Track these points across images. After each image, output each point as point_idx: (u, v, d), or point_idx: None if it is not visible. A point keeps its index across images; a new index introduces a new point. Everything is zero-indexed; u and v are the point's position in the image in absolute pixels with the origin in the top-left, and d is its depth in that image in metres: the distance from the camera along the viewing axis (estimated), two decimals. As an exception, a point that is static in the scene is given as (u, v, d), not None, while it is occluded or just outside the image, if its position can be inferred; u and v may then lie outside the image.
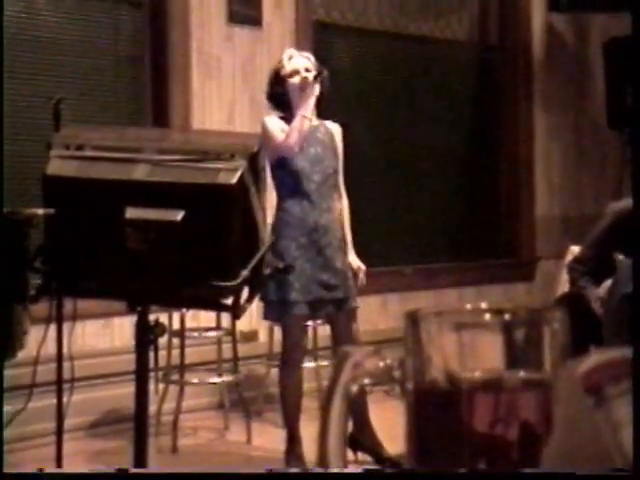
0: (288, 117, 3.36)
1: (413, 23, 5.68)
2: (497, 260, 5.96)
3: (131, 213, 2.05)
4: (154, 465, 2.43)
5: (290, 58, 3.41)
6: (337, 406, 0.50)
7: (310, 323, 4.39)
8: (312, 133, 3.38)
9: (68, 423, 3.01)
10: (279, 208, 3.40)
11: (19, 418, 2.84)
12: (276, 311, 3.37)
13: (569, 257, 3.97)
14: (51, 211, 2.11)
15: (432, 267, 5.57)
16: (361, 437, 3.39)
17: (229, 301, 2.17)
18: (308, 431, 3.42)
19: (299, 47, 4.96)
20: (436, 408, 0.48)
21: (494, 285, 5.73)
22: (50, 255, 2.18)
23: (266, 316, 3.48)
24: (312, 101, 3.30)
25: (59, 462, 2.83)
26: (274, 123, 3.36)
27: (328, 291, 3.34)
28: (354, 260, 3.50)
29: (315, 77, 3.30)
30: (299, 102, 3.30)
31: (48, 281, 2.19)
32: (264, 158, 2.22)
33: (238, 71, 4.74)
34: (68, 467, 2.90)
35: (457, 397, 0.47)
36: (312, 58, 3.44)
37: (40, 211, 2.15)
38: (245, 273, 2.06)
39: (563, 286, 4.00)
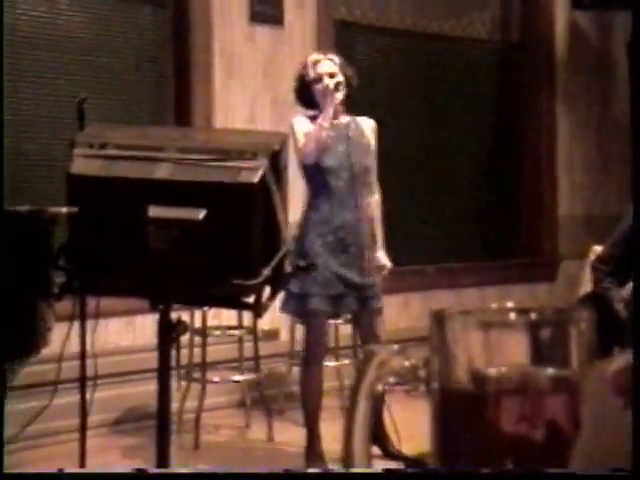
0: (316, 116, 3.38)
1: (435, 21, 5.66)
2: (519, 260, 5.93)
3: (153, 212, 2.06)
4: (176, 462, 2.44)
5: (315, 64, 3.43)
6: (362, 405, 0.50)
7: (329, 322, 4.40)
8: (340, 131, 3.39)
9: (91, 420, 3.03)
10: (307, 205, 3.43)
11: (44, 414, 2.86)
12: (295, 304, 3.38)
13: (592, 257, 3.94)
14: (75, 209, 2.12)
15: (454, 266, 5.55)
16: (373, 429, 3.40)
17: (251, 299, 2.18)
18: (329, 430, 3.42)
19: (320, 46, 4.97)
20: (462, 408, 0.48)
21: (516, 285, 5.70)
22: (73, 253, 2.20)
23: (284, 308, 3.44)
24: (332, 109, 3.31)
25: (82, 458, 2.85)
26: (301, 125, 3.39)
27: (352, 289, 3.34)
28: (382, 256, 3.50)
29: (336, 85, 3.32)
30: (324, 107, 3.33)
31: (71, 279, 2.21)
32: (287, 157, 2.22)
33: (260, 70, 4.75)
34: (91, 463, 2.92)
35: (483, 397, 0.47)
36: (337, 59, 3.46)
37: (64, 209, 2.17)
38: (267, 271, 2.06)
39: (586, 286, 3.98)
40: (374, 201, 3.51)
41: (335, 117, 3.35)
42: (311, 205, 3.40)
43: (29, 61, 4.24)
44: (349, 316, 3.67)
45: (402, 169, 5.35)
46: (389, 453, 3.41)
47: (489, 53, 5.98)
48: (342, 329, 4.39)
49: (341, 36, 5.12)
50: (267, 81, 4.77)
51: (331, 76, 3.37)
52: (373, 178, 3.51)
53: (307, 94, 3.42)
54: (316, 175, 3.37)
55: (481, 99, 5.91)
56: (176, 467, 2.36)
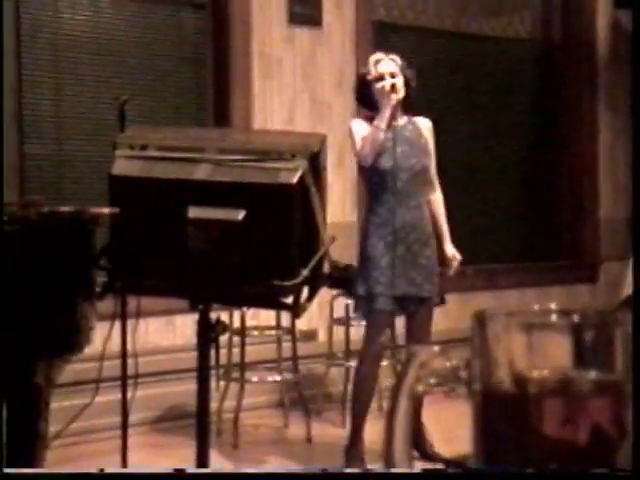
0: (374, 116, 3.40)
1: (474, 22, 5.62)
2: (560, 261, 5.86)
3: (193, 212, 2.07)
4: (215, 461, 2.46)
5: (377, 63, 3.44)
6: (403, 406, 0.50)
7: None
8: (399, 132, 3.41)
9: (132, 418, 3.06)
10: (368, 208, 3.48)
11: (86, 412, 2.90)
12: (363, 306, 3.41)
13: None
14: (116, 210, 2.15)
15: (493, 268, 5.50)
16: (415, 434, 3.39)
17: (289, 300, 2.18)
18: (368, 430, 3.42)
19: (359, 47, 4.96)
20: (503, 410, 0.47)
21: (556, 287, 5.63)
22: (115, 253, 2.22)
23: (355, 310, 3.53)
24: (389, 110, 3.33)
25: (124, 455, 2.88)
26: (358, 128, 3.42)
27: (415, 288, 3.37)
28: (449, 249, 3.55)
29: (393, 86, 3.33)
30: (383, 107, 3.35)
31: (113, 279, 2.24)
32: (326, 158, 2.22)
33: (298, 71, 4.76)
34: (132, 460, 2.95)
35: (525, 399, 0.46)
36: (398, 60, 3.47)
37: (106, 210, 2.20)
38: (305, 272, 2.06)
39: (628, 289, 3.91)
40: (435, 199, 3.55)
41: (392, 118, 3.36)
42: (371, 208, 3.44)
43: (71, 63, 4.30)
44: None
45: (441, 170, 5.32)
46: (427, 455, 3.40)
47: (530, 53, 5.92)
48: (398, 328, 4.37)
49: (380, 37, 5.11)
50: (306, 82, 4.78)
51: (392, 76, 3.39)
52: (433, 177, 3.55)
53: (367, 93, 3.43)
54: (374, 177, 3.40)
55: (522, 100, 5.85)
56: (215, 466, 2.38)
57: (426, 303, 3.41)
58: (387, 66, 3.43)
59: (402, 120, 3.45)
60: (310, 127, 4.69)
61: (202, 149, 2.18)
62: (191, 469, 0.60)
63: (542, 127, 5.93)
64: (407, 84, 3.41)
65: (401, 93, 3.36)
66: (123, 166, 2.18)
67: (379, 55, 3.50)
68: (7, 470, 0.66)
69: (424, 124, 3.52)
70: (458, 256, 3.54)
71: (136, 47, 4.46)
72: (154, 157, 2.17)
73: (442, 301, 3.50)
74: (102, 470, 0.62)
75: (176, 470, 0.59)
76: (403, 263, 3.35)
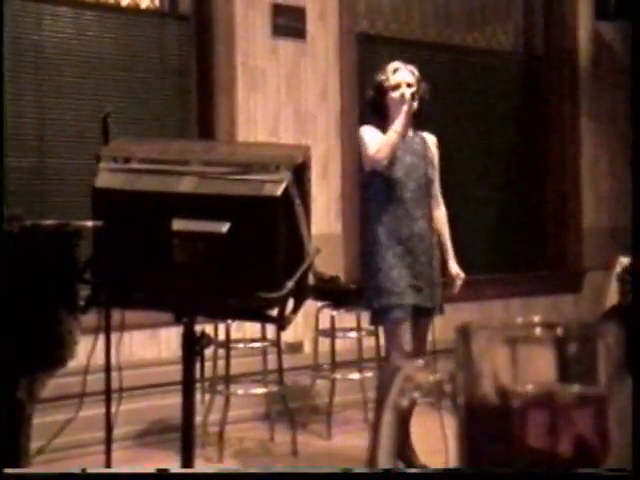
0: (384, 127, 3.41)
1: (458, 33, 5.65)
2: (544, 271, 5.89)
3: (177, 225, 2.07)
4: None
5: (395, 71, 3.44)
6: (387, 419, 0.50)
7: (353, 335, 4.39)
8: (408, 143, 3.43)
9: (117, 432, 3.04)
10: (375, 218, 3.44)
11: (70, 427, 2.87)
12: (380, 318, 3.41)
13: (618, 268, 3.91)
14: (100, 223, 2.14)
15: (478, 278, 5.52)
16: (403, 449, 3.37)
17: (274, 312, 2.18)
18: (355, 443, 3.41)
19: (343, 59, 4.98)
20: (488, 423, 0.47)
21: (541, 297, 5.66)
22: (99, 267, 2.21)
23: (372, 322, 3.52)
24: (407, 118, 3.34)
25: (107, 471, 2.85)
26: (370, 133, 3.41)
27: (422, 299, 3.37)
28: (454, 266, 3.55)
29: (412, 95, 3.34)
30: (395, 116, 3.35)
31: (97, 292, 2.23)
32: (310, 170, 2.22)
33: (283, 83, 4.77)
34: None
35: (509, 412, 0.46)
36: (416, 72, 3.47)
37: (89, 223, 2.19)
38: (290, 284, 2.06)
39: (612, 297, 3.94)
40: (441, 213, 3.56)
41: (405, 130, 3.38)
42: (378, 218, 3.42)
43: (53, 76, 4.29)
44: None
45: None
46: (412, 466, 3.39)
47: (512, 65, 5.96)
48: (365, 341, 4.38)
49: (363, 49, 5.13)
50: (290, 94, 4.79)
51: (408, 86, 3.40)
52: (437, 191, 3.56)
53: (380, 101, 3.43)
54: (383, 186, 3.39)
55: (504, 111, 5.88)
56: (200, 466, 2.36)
57: (428, 313, 3.41)
58: (405, 75, 3.43)
59: (411, 132, 3.47)
60: (294, 139, 4.69)
61: (186, 162, 2.17)
62: (175, 469, 0.60)
63: (525, 138, 5.96)
64: (421, 97, 3.41)
65: (415, 104, 3.36)
66: (107, 179, 2.17)
67: (397, 64, 3.49)
68: (7, 470, 0.65)
69: (431, 139, 3.55)
70: (462, 275, 3.55)
71: (119, 59, 4.45)
72: (138, 170, 2.16)
73: (441, 311, 3.49)
74: (84, 469, 0.62)
75: (159, 470, 0.59)
76: (412, 274, 3.35)
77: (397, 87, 3.39)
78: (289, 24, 4.79)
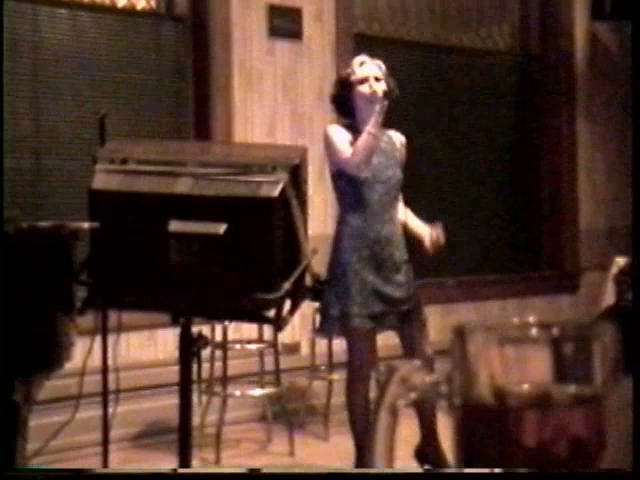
0: (351, 125, 3.26)
1: (454, 34, 5.66)
2: (540, 272, 5.90)
3: (174, 226, 2.07)
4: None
5: (361, 64, 3.29)
6: (383, 420, 0.50)
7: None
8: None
9: (114, 434, 3.04)
10: (340, 220, 3.31)
11: (66, 429, 2.87)
12: (338, 325, 3.27)
13: (614, 269, 3.91)
14: (96, 225, 2.14)
15: (474, 279, 5.52)
16: (428, 450, 3.34)
17: (271, 313, 2.18)
18: (352, 444, 3.41)
19: (340, 59, 4.98)
20: (484, 424, 0.47)
21: (537, 297, 5.66)
22: (95, 268, 2.21)
23: (325, 330, 3.36)
24: (380, 117, 3.15)
25: (104, 473, 2.85)
26: (339, 134, 3.24)
27: (391, 305, 3.23)
28: (423, 227, 3.35)
29: (385, 93, 3.19)
30: (367, 116, 3.18)
31: (93, 294, 2.22)
32: (307, 171, 2.22)
33: (279, 84, 4.77)
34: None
35: (505, 413, 0.46)
36: (383, 67, 3.33)
37: (86, 225, 2.19)
38: (287, 285, 2.06)
39: (608, 298, 3.95)
40: (400, 207, 3.39)
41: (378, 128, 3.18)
42: (344, 219, 3.28)
43: (50, 77, 4.29)
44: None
45: (420, 182, 5.34)
46: (441, 466, 3.28)
47: (508, 65, 5.97)
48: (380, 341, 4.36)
49: (360, 49, 5.11)
50: (286, 95, 4.79)
51: (377, 80, 3.25)
52: (399, 192, 3.40)
53: (347, 97, 3.26)
54: (350, 188, 3.24)
55: (501, 111, 5.89)
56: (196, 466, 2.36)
57: (409, 320, 3.26)
58: (372, 69, 3.28)
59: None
60: (291, 140, 4.69)
61: (183, 163, 2.17)
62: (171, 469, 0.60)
63: (521, 138, 5.97)
64: (390, 93, 3.25)
65: (385, 101, 3.18)
66: (103, 180, 2.17)
67: (363, 57, 3.34)
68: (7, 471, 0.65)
69: (399, 138, 3.39)
70: (438, 230, 3.33)
71: (116, 61, 4.45)
72: (134, 171, 2.16)
73: (419, 314, 3.32)
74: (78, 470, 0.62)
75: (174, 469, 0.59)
76: (378, 279, 3.21)
77: (364, 81, 3.23)
78: (286, 25, 4.79)
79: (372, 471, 0.50)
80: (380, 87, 3.23)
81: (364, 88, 3.24)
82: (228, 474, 0.58)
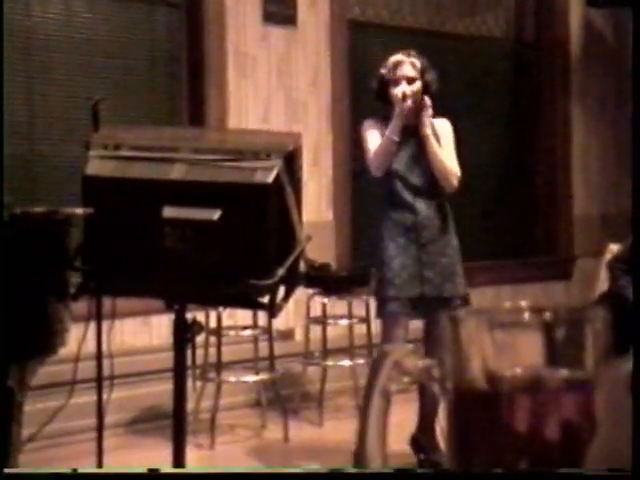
0: (388, 116, 3.33)
1: (448, 21, 5.64)
2: (534, 258, 5.91)
3: (168, 212, 2.06)
4: (192, 461, 2.45)
5: (395, 66, 3.36)
6: (376, 404, 0.50)
7: (345, 322, 4.39)
8: (411, 134, 3.32)
9: (108, 419, 3.04)
10: (383, 210, 3.41)
11: (61, 414, 2.88)
12: (378, 310, 3.36)
13: (608, 255, 3.92)
14: (90, 211, 2.13)
15: (469, 265, 5.52)
16: (422, 439, 3.36)
17: (265, 299, 2.18)
18: (346, 429, 3.42)
19: (334, 46, 4.97)
20: (476, 408, 0.47)
21: (531, 283, 5.68)
22: (89, 254, 2.21)
23: (376, 315, 3.43)
24: (400, 121, 3.26)
25: (99, 457, 2.86)
26: (371, 131, 3.35)
27: (432, 288, 3.29)
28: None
29: (404, 95, 3.26)
30: (395, 115, 3.27)
31: (87, 280, 2.22)
32: (301, 157, 2.22)
33: (273, 70, 4.76)
34: (108, 462, 2.93)
35: (497, 397, 0.47)
36: (418, 64, 3.39)
37: (79, 211, 2.18)
38: (281, 272, 2.06)
39: (602, 285, 3.96)
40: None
41: (406, 125, 3.27)
42: (384, 209, 3.39)
43: (43, 62, 4.26)
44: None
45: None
46: (435, 464, 3.26)
47: (503, 52, 5.96)
48: (356, 329, 4.39)
49: (354, 36, 5.12)
50: (281, 81, 4.77)
51: (409, 81, 3.32)
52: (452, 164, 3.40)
53: (383, 93, 3.37)
54: (385, 178, 3.35)
55: (495, 98, 5.89)
56: (191, 467, 2.37)
57: (448, 304, 3.28)
58: (405, 70, 3.35)
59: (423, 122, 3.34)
60: (285, 126, 4.68)
61: (177, 149, 2.17)
62: (167, 468, 0.60)
63: (516, 125, 5.97)
64: (427, 87, 3.34)
65: (409, 102, 3.26)
66: (96, 166, 2.16)
67: (399, 57, 3.41)
68: (7, 470, 0.65)
69: (441, 124, 3.44)
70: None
71: (110, 46, 4.43)
72: (128, 157, 2.16)
73: (466, 302, 3.38)
74: (75, 470, 0.62)
75: (150, 470, 0.59)
76: (418, 263, 3.28)
77: (397, 82, 3.33)
78: (280, 11, 4.77)
79: (372, 471, 0.50)
80: (411, 89, 3.30)
81: (395, 90, 3.32)
82: (227, 474, 0.58)
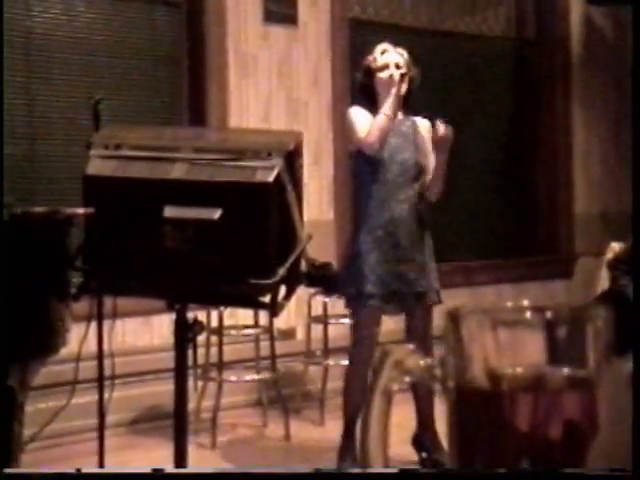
0: (374, 110, 3.33)
1: (449, 19, 5.64)
2: (535, 257, 5.91)
3: (169, 212, 2.06)
4: (193, 461, 2.45)
5: (383, 52, 3.38)
6: (377, 404, 0.50)
7: (346, 321, 4.39)
8: (396, 126, 3.35)
9: (109, 419, 3.04)
10: (358, 202, 3.40)
11: (62, 414, 2.88)
12: (352, 304, 3.36)
13: (609, 254, 3.92)
14: (91, 210, 2.13)
15: (470, 264, 5.53)
16: (423, 438, 3.36)
17: (267, 299, 2.18)
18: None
19: (335, 45, 4.97)
20: (478, 407, 0.47)
21: (532, 282, 5.67)
22: (90, 254, 2.21)
23: (347, 307, 3.45)
24: (396, 99, 3.27)
25: (101, 457, 2.87)
26: (359, 115, 3.33)
27: (407, 284, 3.29)
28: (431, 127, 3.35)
29: (402, 76, 3.28)
30: (384, 99, 3.28)
31: (88, 279, 2.22)
32: (302, 156, 2.22)
33: (274, 69, 4.76)
34: (109, 462, 2.93)
35: (499, 396, 0.47)
36: (405, 55, 3.41)
37: (80, 210, 2.18)
38: (282, 271, 2.06)
39: (603, 283, 3.96)
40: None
41: (395, 113, 3.29)
42: (360, 201, 3.37)
43: (44, 62, 4.26)
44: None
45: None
46: (437, 464, 3.24)
47: (504, 50, 5.96)
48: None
49: (355, 35, 5.12)
50: (281, 80, 4.77)
51: (397, 67, 3.33)
52: (427, 177, 3.40)
53: (368, 84, 3.36)
54: (366, 167, 3.32)
55: (496, 96, 5.88)
56: (193, 467, 2.37)
57: (422, 300, 3.32)
58: (393, 57, 3.37)
59: (401, 116, 3.40)
60: (286, 125, 4.68)
61: (177, 148, 2.17)
62: (170, 468, 0.60)
63: (517, 123, 5.96)
64: (411, 82, 3.35)
65: (404, 87, 3.29)
66: (97, 166, 2.16)
67: (385, 45, 3.42)
68: (8, 470, 0.65)
69: (423, 124, 3.46)
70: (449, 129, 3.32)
71: (110, 46, 4.43)
72: (129, 157, 2.16)
73: (438, 298, 3.36)
74: (79, 470, 0.62)
75: (154, 470, 0.59)
76: (394, 259, 3.27)
77: (385, 68, 3.32)
78: (281, 10, 4.77)
79: (372, 471, 0.50)
80: (400, 72, 3.31)
81: (383, 74, 3.32)
82: (226, 474, 0.58)
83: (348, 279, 3.26)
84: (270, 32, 4.74)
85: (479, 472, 0.46)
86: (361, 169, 3.35)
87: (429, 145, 3.43)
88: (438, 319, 4.55)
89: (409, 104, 3.43)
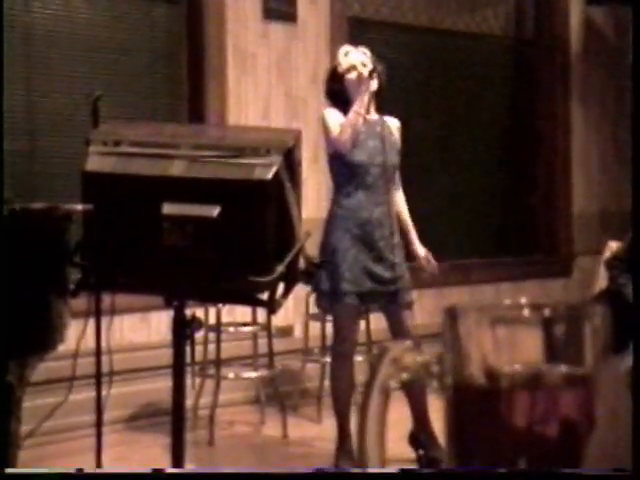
0: (348, 112, 3.35)
1: (449, 18, 5.64)
2: (534, 256, 5.91)
3: (168, 209, 2.06)
4: (191, 458, 2.45)
5: (346, 54, 3.41)
6: (375, 402, 0.50)
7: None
8: (371, 127, 3.38)
9: (107, 416, 3.04)
10: (334, 200, 3.42)
11: (60, 410, 2.88)
12: (327, 301, 3.37)
13: (607, 253, 3.93)
14: (90, 207, 2.13)
15: (468, 262, 5.53)
16: (421, 435, 3.37)
17: (265, 296, 2.18)
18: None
19: (334, 42, 4.96)
20: (475, 404, 0.47)
21: (530, 281, 5.68)
22: (89, 250, 2.21)
23: (318, 304, 3.48)
24: (366, 97, 3.29)
25: (98, 454, 2.87)
26: (333, 116, 3.36)
27: (381, 284, 3.33)
28: (419, 248, 3.51)
29: (370, 73, 3.29)
30: (357, 99, 3.30)
31: (87, 276, 2.22)
32: (301, 154, 2.22)
33: (273, 67, 4.76)
34: (107, 458, 2.94)
35: (496, 393, 0.47)
36: (369, 53, 3.43)
37: (79, 207, 2.18)
38: (281, 268, 2.06)
39: (601, 282, 3.96)
40: (399, 196, 3.52)
41: (367, 111, 3.32)
42: (337, 200, 3.39)
43: (43, 59, 4.26)
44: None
45: (416, 165, 5.34)
46: (433, 460, 3.26)
47: (503, 49, 5.96)
48: (373, 324, 4.37)
49: (355, 33, 5.11)
50: (280, 78, 4.77)
51: (364, 65, 3.34)
52: (397, 176, 3.51)
53: (338, 88, 3.38)
54: (344, 169, 3.36)
55: (495, 95, 5.88)
56: (191, 466, 2.37)
57: (397, 300, 3.36)
58: (358, 56, 3.39)
59: (375, 116, 3.43)
60: (285, 122, 4.68)
61: (177, 145, 2.17)
62: (167, 467, 0.60)
63: (516, 122, 5.96)
64: (379, 77, 3.36)
65: (374, 83, 3.31)
66: (96, 162, 2.16)
67: (347, 47, 3.46)
68: (8, 470, 0.65)
69: (394, 123, 3.50)
70: (430, 257, 3.50)
71: (110, 42, 4.42)
72: (128, 153, 2.16)
73: (408, 300, 3.41)
74: (80, 469, 0.62)
75: (154, 470, 0.59)
76: (369, 259, 3.31)
77: (352, 69, 3.34)
78: (280, 7, 4.77)
79: (372, 471, 0.50)
80: (368, 69, 3.32)
81: (352, 75, 3.34)
82: (228, 474, 0.58)
83: (323, 276, 3.29)
84: (269, 30, 4.74)
85: (478, 472, 0.47)
86: (340, 171, 3.38)
87: (399, 144, 3.49)
88: (433, 317, 4.54)
89: (382, 99, 3.44)
